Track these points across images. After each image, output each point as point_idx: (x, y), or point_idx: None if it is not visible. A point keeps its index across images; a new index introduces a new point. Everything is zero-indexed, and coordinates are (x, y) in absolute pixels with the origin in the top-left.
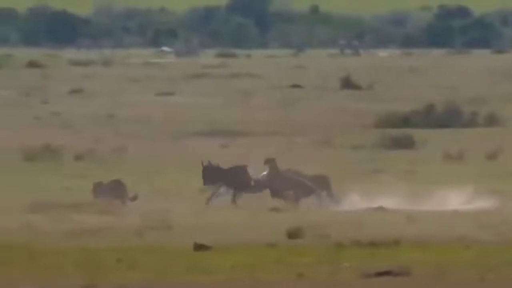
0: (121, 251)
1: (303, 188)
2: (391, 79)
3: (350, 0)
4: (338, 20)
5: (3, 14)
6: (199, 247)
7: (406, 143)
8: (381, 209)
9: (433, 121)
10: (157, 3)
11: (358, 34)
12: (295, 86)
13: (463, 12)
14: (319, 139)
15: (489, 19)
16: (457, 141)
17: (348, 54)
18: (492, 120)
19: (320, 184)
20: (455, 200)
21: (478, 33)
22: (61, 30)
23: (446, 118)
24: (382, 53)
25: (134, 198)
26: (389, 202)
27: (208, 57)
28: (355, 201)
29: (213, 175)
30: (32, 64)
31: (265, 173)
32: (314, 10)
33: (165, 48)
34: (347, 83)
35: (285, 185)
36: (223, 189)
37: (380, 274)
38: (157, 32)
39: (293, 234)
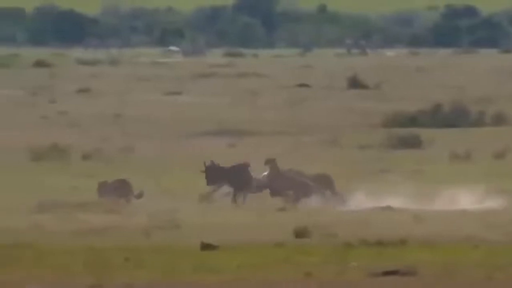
0: (129, 250)
1: (303, 188)
2: (398, 79)
3: (357, 0)
4: (345, 19)
5: (10, 13)
6: (206, 246)
7: (413, 143)
8: (388, 208)
9: (440, 121)
10: (164, 3)
11: (365, 33)
12: (302, 85)
13: (470, 11)
14: (326, 139)
15: (497, 19)
16: (464, 141)
17: (355, 54)
18: (499, 120)
19: (323, 184)
20: (463, 199)
21: (485, 33)
22: (69, 29)
23: (453, 117)
24: (389, 52)
25: (140, 195)
26: (396, 201)
27: (215, 56)
28: (362, 200)
29: (216, 175)
30: (39, 64)
31: (265, 173)
32: (322, 9)
33: (172, 48)
34: (354, 83)
35: (285, 185)
36: (225, 188)
37: (387, 273)
38: (164, 32)
39: (301, 233)
